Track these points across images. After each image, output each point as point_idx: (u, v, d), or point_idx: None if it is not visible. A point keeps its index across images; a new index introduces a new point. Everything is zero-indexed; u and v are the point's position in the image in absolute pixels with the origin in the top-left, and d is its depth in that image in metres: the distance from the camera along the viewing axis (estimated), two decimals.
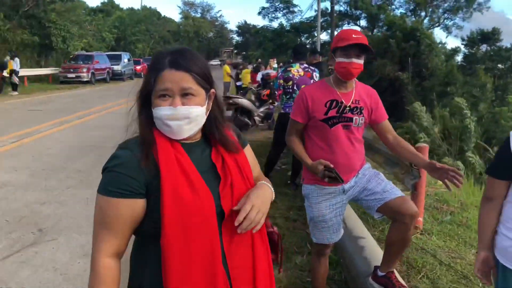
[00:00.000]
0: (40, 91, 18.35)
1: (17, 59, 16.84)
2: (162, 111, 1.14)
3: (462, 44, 33.15)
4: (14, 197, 4.71)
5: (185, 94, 1.15)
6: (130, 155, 1.13)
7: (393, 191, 2.32)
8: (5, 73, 16.27)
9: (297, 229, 3.95)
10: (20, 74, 17.65)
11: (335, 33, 28.98)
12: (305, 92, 2.35)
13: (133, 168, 1.11)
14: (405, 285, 2.54)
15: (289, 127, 2.46)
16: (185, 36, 55.67)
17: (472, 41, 32.33)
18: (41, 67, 23.61)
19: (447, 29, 34.16)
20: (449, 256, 3.39)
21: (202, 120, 1.21)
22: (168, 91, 1.14)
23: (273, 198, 1.29)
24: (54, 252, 3.45)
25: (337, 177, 2.13)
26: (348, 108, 2.30)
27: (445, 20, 33.96)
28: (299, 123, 2.37)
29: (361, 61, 2.24)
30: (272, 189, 1.29)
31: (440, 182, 5.65)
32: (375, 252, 3.03)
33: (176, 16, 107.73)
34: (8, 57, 16.97)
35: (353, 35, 2.19)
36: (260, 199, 1.20)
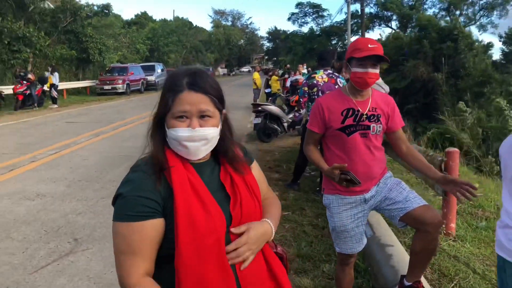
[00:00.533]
0: (78, 103, 19.11)
1: (56, 74, 17.59)
2: (180, 132, 1.15)
3: (500, 41, 31.92)
4: (52, 207, 4.92)
5: (202, 116, 1.17)
6: (144, 177, 1.14)
7: (416, 200, 2.29)
8: (46, 87, 17.05)
9: (325, 236, 3.92)
10: (60, 87, 18.44)
11: (366, 35, 28.62)
12: (321, 102, 2.36)
13: (149, 190, 1.12)
14: None
15: (306, 137, 2.48)
16: (216, 45, 56.37)
17: (510, 38, 31.04)
18: (79, 80, 24.60)
19: (482, 27, 32.95)
20: (484, 264, 3.27)
21: (216, 140, 1.23)
22: (187, 113, 1.16)
23: (272, 237, 1.28)
24: (89, 261, 3.59)
25: (353, 179, 2.13)
26: (365, 116, 2.29)
27: (480, 18, 32.78)
28: (316, 133, 2.39)
29: (377, 71, 2.23)
30: (273, 227, 1.27)
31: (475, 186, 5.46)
32: (404, 260, 2.97)
33: (208, 25, 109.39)
34: (48, 72, 17.78)
35: (369, 45, 2.19)
36: (256, 240, 1.20)
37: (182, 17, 54.43)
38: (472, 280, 2.99)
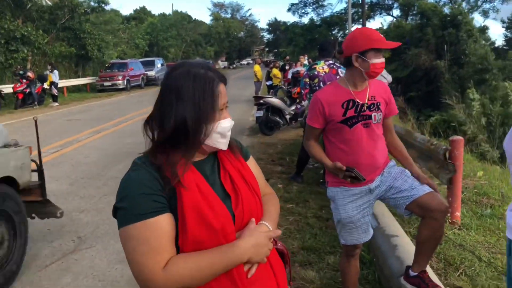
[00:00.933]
0: (79, 100, 19.10)
1: (56, 72, 17.56)
2: (227, 123, 1.18)
3: (502, 27, 31.65)
4: None
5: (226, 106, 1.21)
6: (147, 174, 1.10)
7: (421, 187, 2.27)
8: (46, 85, 17.04)
9: (329, 228, 3.91)
10: (60, 85, 18.43)
11: (367, 24, 28.38)
12: (319, 97, 2.31)
13: (156, 187, 1.08)
14: (439, 284, 2.46)
15: (307, 132, 2.44)
16: (216, 38, 56.19)
17: None
18: (78, 77, 24.58)
19: (484, 13, 32.61)
20: (489, 251, 3.27)
21: None
22: (225, 104, 1.19)
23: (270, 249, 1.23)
24: (93, 259, 3.59)
25: (358, 176, 2.12)
26: (365, 105, 2.27)
27: (483, 4, 32.44)
28: (317, 128, 2.35)
29: None
30: (271, 229, 1.23)
31: (479, 174, 5.45)
32: (409, 251, 2.95)
33: (207, 18, 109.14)
34: (48, 70, 17.76)
35: (380, 35, 2.21)
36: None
37: (181, 11, 54.21)
38: (478, 268, 2.98)
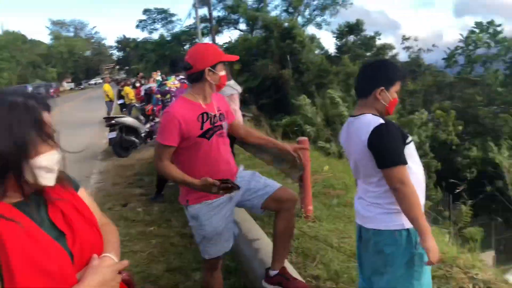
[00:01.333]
0: None
1: None
2: (54, 155, 1.05)
3: (333, 37, 35.97)
4: None
5: None
6: None
7: (273, 184, 2.44)
8: None
9: (194, 244, 3.82)
10: None
11: (216, 39, 29.37)
12: (175, 114, 2.20)
13: None
14: (298, 277, 2.59)
15: (159, 153, 2.26)
16: (59, 58, 51.94)
17: (341, 33, 35.22)
18: None
19: (318, 25, 36.71)
20: (339, 237, 3.55)
21: None
22: (50, 135, 1.04)
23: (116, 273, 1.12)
24: None
25: (234, 185, 2.12)
26: (216, 116, 2.32)
27: (316, 17, 36.43)
28: (172, 147, 2.23)
29: None
30: (114, 258, 1.13)
31: (325, 168, 5.97)
32: (271, 252, 3.05)
33: (46, 38, 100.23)
34: None
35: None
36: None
37: (13, 31, 48.54)
38: (330, 254, 3.22)
